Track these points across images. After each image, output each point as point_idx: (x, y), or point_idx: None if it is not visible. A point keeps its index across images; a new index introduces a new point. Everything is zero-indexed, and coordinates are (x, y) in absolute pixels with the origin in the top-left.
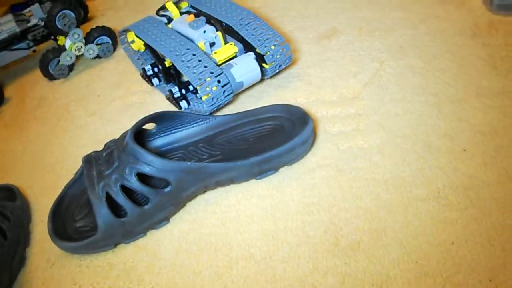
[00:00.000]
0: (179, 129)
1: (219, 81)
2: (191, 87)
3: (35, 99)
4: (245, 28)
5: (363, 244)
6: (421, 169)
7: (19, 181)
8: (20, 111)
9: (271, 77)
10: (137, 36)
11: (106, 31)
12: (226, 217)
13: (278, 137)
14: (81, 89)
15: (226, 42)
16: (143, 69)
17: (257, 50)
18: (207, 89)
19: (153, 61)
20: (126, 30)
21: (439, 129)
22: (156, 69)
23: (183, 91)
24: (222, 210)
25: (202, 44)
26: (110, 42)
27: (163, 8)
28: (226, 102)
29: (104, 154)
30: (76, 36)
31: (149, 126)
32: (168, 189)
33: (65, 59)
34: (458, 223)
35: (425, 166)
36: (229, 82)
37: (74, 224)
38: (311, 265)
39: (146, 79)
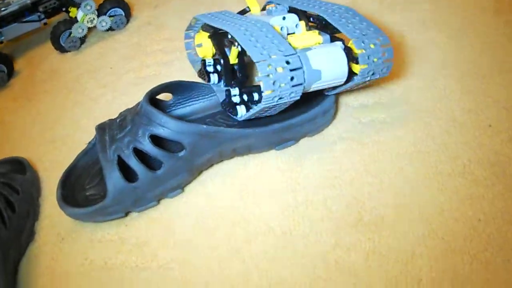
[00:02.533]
0: (197, 101)
1: (287, 62)
2: (256, 95)
3: (46, 72)
4: (339, 18)
5: (387, 220)
6: (445, 144)
7: (29, 154)
8: (30, 84)
9: None
10: (205, 27)
11: (119, 2)
12: (244, 190)
13: (299, 106)
14: (93, 62)
15: None
16: (203, 61)
17: (350, 44)
18: (269, 68)
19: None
20: (191, 29)
21: (464, 105)
22: (218, 67)
23: (245, 97)
24: (240, 182)
25: (278, 29)
26: (123, 14)
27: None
28: (293, 98)
29: (118, 120)
30: (88, 7)
31: (166, 97)
32: (182, 153)
33: (77, 31)
34: (485, 199)
35: (449, 141)
36: (301, 67)
37: (84, 192)
38: (333, 240)
39: (203, 75)
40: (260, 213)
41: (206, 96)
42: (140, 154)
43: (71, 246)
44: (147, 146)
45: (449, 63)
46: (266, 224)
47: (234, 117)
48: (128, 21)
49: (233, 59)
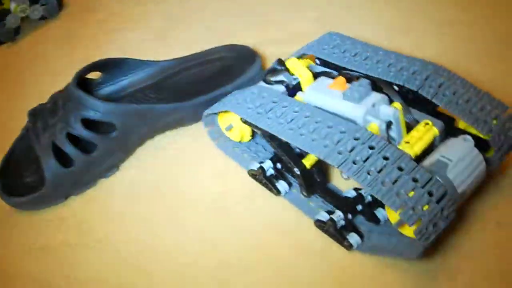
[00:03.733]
0: (126, 77)
1: (430, 193)
2: (358, 207)
3: None
4: (441, 92)
5: None
6: None
7: None
8: None
9: None
10: (242, 119)
11: None
12: (175, 160)
13: (225, 76)
14: (28, 51)
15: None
16: (261, 167)
17: (472, 130)
18: (411, 212)
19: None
20: (209, 123)
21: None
22: (278, 164)
23: (349, 216)
24: (171, 154)
25: (375, 127)
26: (55, 1)
27: (276, 70)
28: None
29: (48, 105)
30: None
31: (95, 76)
32: (114, 133)
33: (10, 22)
34: None
35: None
36: (446, 193)
37: (23, 180)
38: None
39: (264, 182)
40: (193, 181)
41: (134, 71)
42: (74, 137)
43: (10, 231)
44: (80, 130)
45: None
46: (199, 191)
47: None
48: (60, 8)
49: (310, 161)
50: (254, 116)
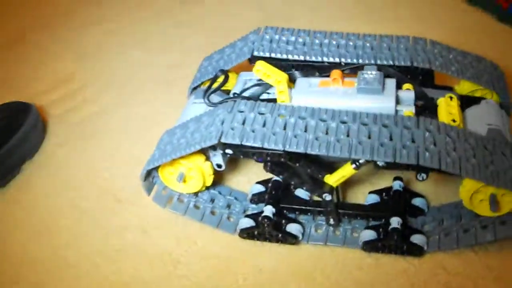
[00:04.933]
0: None
1: None
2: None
3: None
4: (450, 64)
5: None
6: None
7: None
8: None
9: None
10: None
11: None
12: None
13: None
14: None
15: None
16: (266, 217)
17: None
18: None
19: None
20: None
21: None
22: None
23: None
24: None
25: (411, 114)
26: None
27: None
28: None
29: None
30: None
31: None
32: None
33: None
34: None
35: None
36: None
37: None
38: None
39: (274, 234)
40: None
41: None
42: None
43: None
44: None
45: None
46: None
47: None
48: None
49: (337, 180)
50: (258, 136)
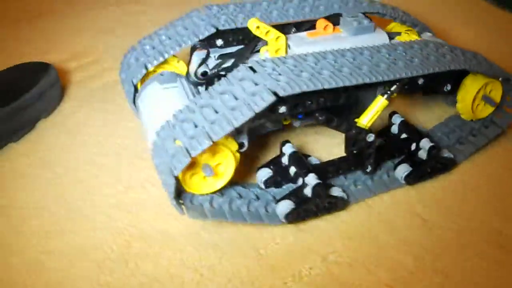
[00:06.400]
0: None
1: None
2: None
3: None
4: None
5: None
6: None
7: None
8: None
9: None
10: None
11: None
12: None
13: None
14: None
15: None
16: (318, 184)
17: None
18: None
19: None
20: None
21: None
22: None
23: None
24: None
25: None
26: None
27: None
28: None
29: None
30: None
31: None
32: None
33: None
34: None
35: None
36: None
37: None
38: None
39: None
40: None
41: None
42: None
43: None
44: None
45: None
46: None
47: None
48: None
49: (370, 119)
50: (314, 80)
